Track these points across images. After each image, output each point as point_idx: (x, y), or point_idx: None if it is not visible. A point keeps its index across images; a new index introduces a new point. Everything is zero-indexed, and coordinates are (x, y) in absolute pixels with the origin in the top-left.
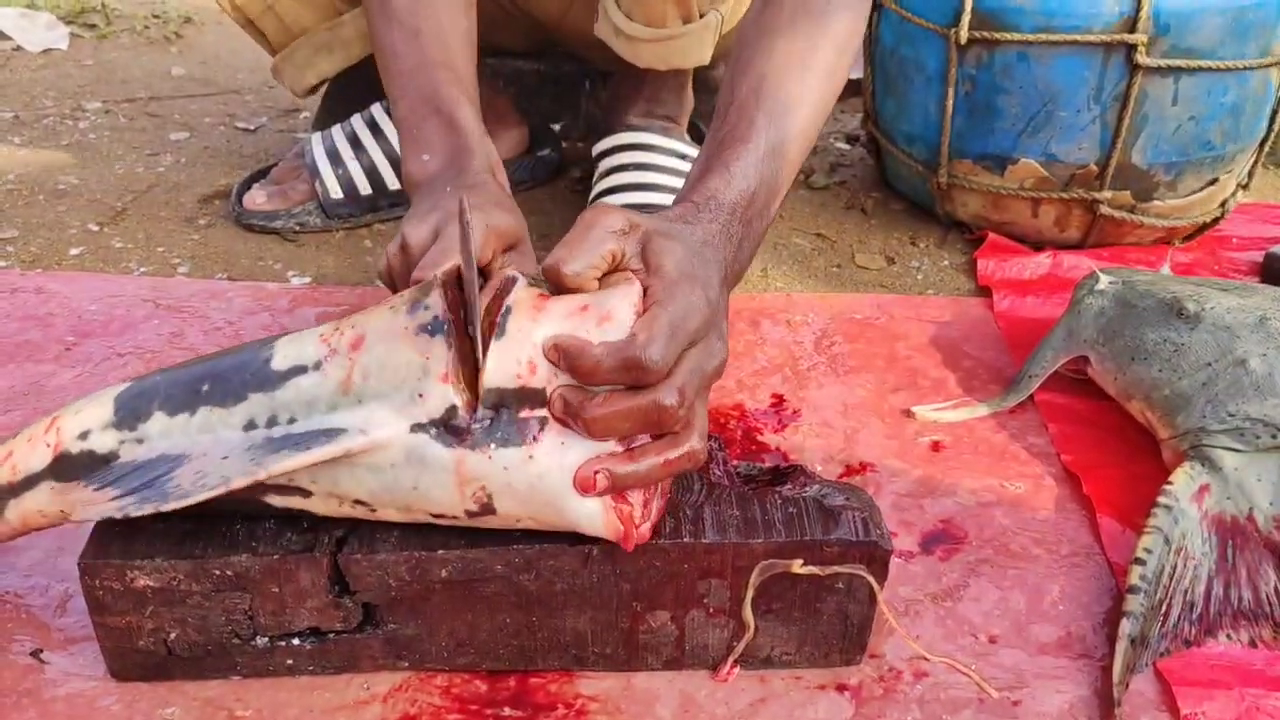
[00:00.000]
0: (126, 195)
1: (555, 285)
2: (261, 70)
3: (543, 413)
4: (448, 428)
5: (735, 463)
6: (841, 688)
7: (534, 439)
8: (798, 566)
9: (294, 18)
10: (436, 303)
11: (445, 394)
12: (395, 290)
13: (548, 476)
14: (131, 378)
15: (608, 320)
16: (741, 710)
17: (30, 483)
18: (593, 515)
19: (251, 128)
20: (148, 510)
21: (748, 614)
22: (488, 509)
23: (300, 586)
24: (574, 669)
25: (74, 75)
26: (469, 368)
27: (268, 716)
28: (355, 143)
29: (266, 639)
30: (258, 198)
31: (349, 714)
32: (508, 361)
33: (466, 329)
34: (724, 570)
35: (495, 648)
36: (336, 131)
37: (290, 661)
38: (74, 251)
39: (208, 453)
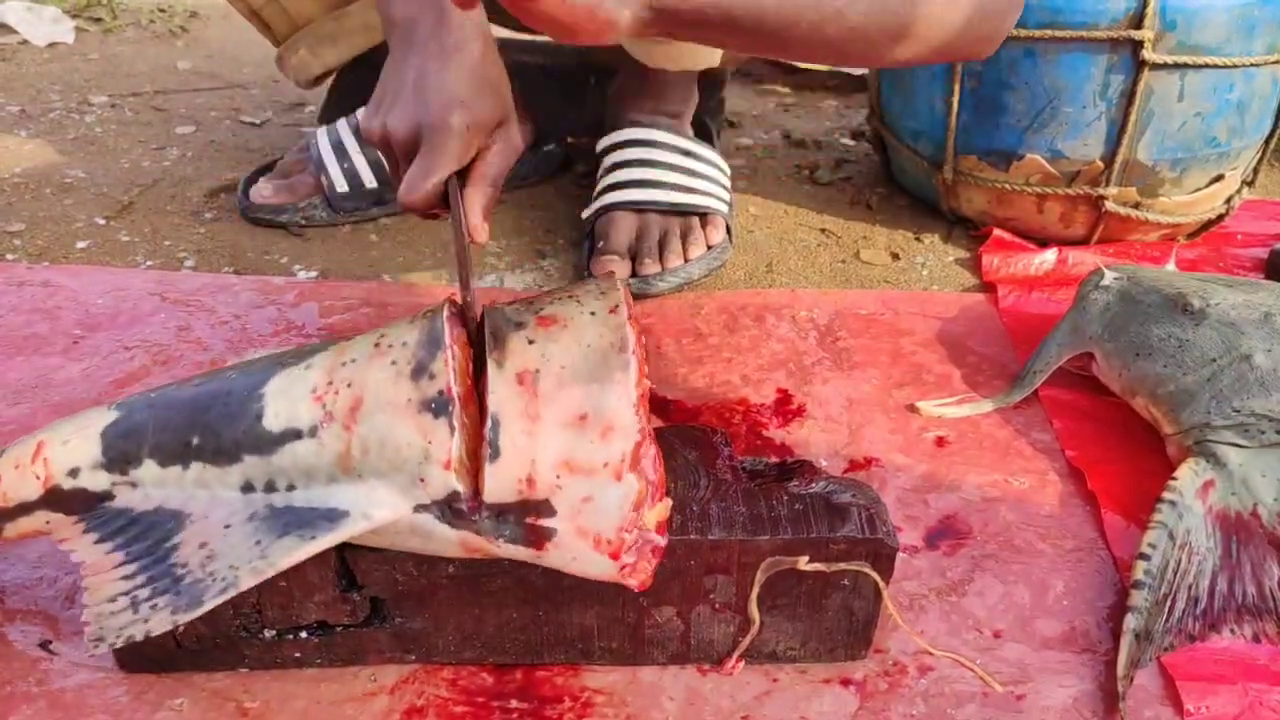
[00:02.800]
0: (133, 189)
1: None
2: (267, 64)
3: (549, 523)
4: (451, 509)
5: (741, 458)
6: (846, 682)
7: (542, 545)
8: (804, 563)
9: (298, 9)
10: (442, 372)
11: (447, 481)
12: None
13: (555, 566)
14: (137, 372)
15: (611, 431)
16: (746, 703)
17: (25, 510)
18: (609, 578)
19: (257, 122)
20: (163, 624)
21: (753, 609)
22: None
23: (308, 581)
24: (580, 663)
25: (80, 69)
26: (475, 439)
27: (275, 708)
28: (361, 137)
29: (274, 632)
30: (264, 192)
31: (356, 706)
32: (506, 481)
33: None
34: (730, 566)
35: (502, 642)
36: (342, 125)
37: (298, 654)
38: (81, 245)
39: (208, 515)
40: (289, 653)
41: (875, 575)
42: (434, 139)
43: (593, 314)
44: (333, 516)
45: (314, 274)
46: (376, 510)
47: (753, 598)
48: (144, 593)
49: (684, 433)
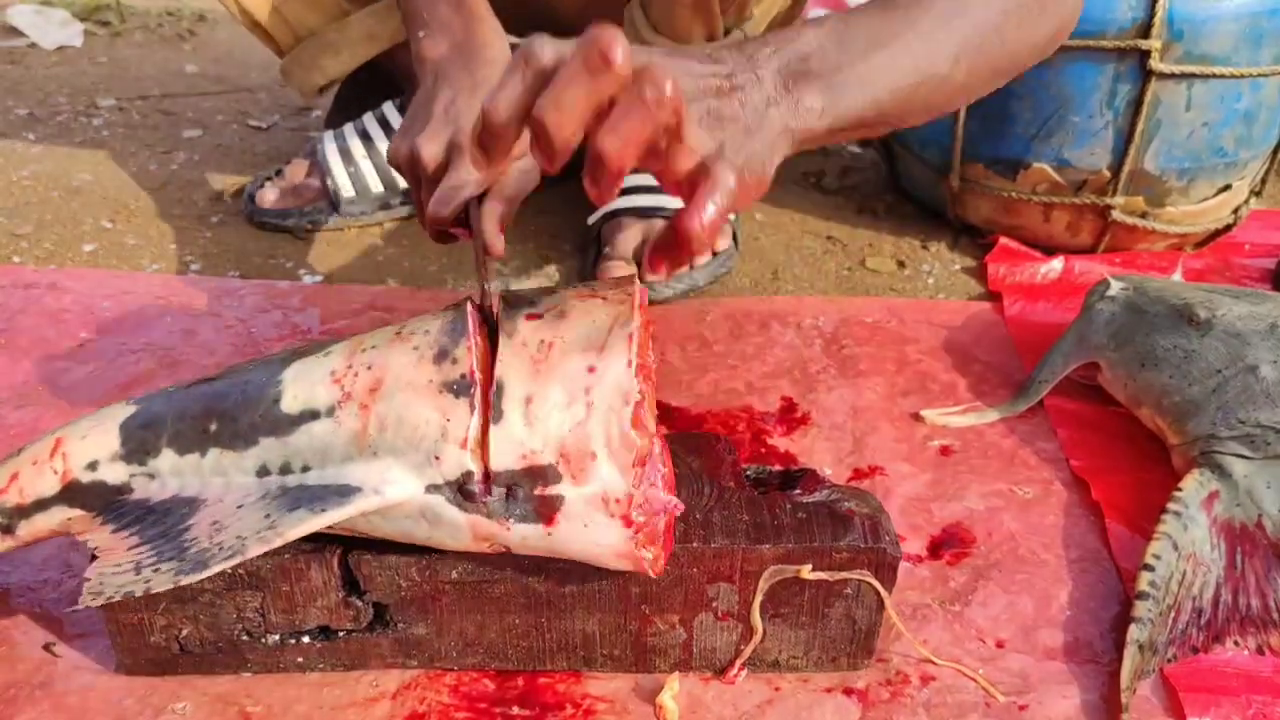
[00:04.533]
0: (139, 192)
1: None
2: (274, 68)
3: (557, 490)
4: (462, 491)
5: (745, 466)
6: (849, 691)
7: (553, 518)
8: (806, 572)
9: (300, 20)
10: (464, 357)
11: (461, 460)
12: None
13: (566, 545)
14: (143, 375)
15: (614, 393)
16: (748, 712)
17: (41, 506)
18: (623, 547)
19: (264, 126)
20: (165, 584)
21: (756, 618)
22: (503, 553)
23: (311, 586)
24: (582, 670)
25: (88, 72)
26: (489, 409)
27: (278, 713)
28: (367, 141)
29: (277, 637)
30: (270, 196)
31: (358, 711)
32: (511, 445)
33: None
34: (733, 575)
35: (504, 648)
36: (349, 129)
37: (300, 659)
38: (87, 248)
39: (222, 498)
40: (291, 657)
41: (877, 584)
42: (461, 163)
43: (604, 299)
44: (345, 492)
45: (319, 278)
46: (389, 488)
47: (755, 606)
48: (149, 559)
49: (688, 440)
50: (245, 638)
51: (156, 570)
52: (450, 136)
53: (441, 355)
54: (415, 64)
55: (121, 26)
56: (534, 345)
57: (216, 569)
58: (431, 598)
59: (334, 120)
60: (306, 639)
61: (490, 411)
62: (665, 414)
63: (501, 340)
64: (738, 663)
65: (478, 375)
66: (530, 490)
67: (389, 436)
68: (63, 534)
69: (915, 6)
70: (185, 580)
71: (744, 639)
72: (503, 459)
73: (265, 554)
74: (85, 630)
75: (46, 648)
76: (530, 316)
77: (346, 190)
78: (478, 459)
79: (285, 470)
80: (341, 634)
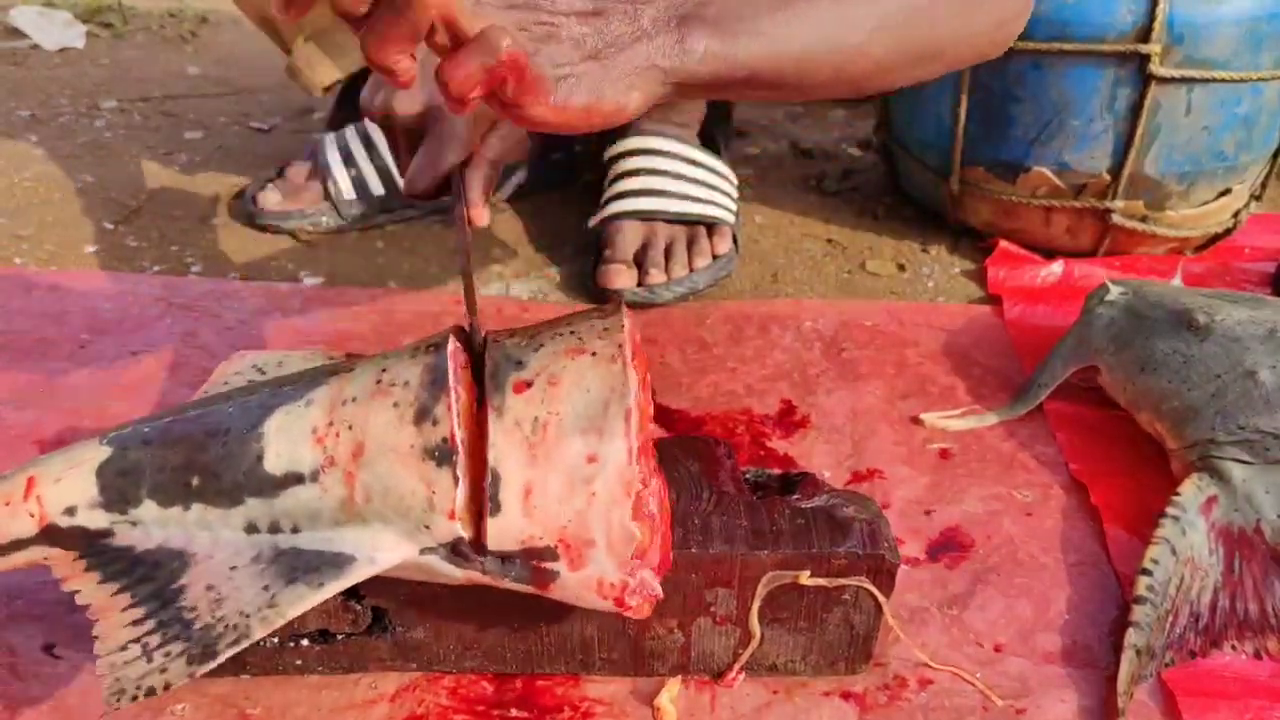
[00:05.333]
0: (141, 194)
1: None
2: (276, 71)
3: (553, 567)
4: (456, 551)
5: (744, 469)
6: (846, 695)
7: (547, 587)
8: (805, 578)
9: (309, 18)
10: (444, 418)
11: (452, 529)
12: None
13: (563, 600)
14: (143, 376)
15: (613, 482)
16: (746, 715)
17: (19, 546)
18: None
19: (265, 128)
20: (180, 675)
21: (754, 623)
22: None
23: None
24: (580, 673)
25: (90, 74)
26: (479, 478)
27: (276, 714)
28: (368, 143)
29: (276, 639)
30: (271, 198)
31: (357, 713)
32: (508, 534)
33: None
34: (731, 580)
35: (502, 652)
36: (350, 132)
37: (299, 661)
38: (89, 249)
39: (212, 555)
40: (290, 659)
41: (875, 591)
42: (442, 127)
43: (594, 354)
44: (339, 562)
45: (320, 281)
46: (382, 554)
47: (753, 611)
48: (155, 640)
49: (687, 444)
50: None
51: (168, 655)
52: (426, 100)
53: (422, 415)
54: None
55: (124, 28)
56: (528, 426)
57: (225, 655)
58: (430, 601)
59: (335, 122)
60: (305, 641)
61: (481, 484)
62: (664, 417)
63: (491, 420)
64: (735, 667)
65: (460, 437)
66: (526, 561)
67: (376, 506)
68: (45, 567)
69: None
70: (198, 671)
71: (742, 643)
72: (501, 543)
73: None
74: (85, 632)
75: (47, 649)
76: (519, 386)
77: (347, 192)
78: (468, 524)
79: (275, 529)
80: (340, 637)
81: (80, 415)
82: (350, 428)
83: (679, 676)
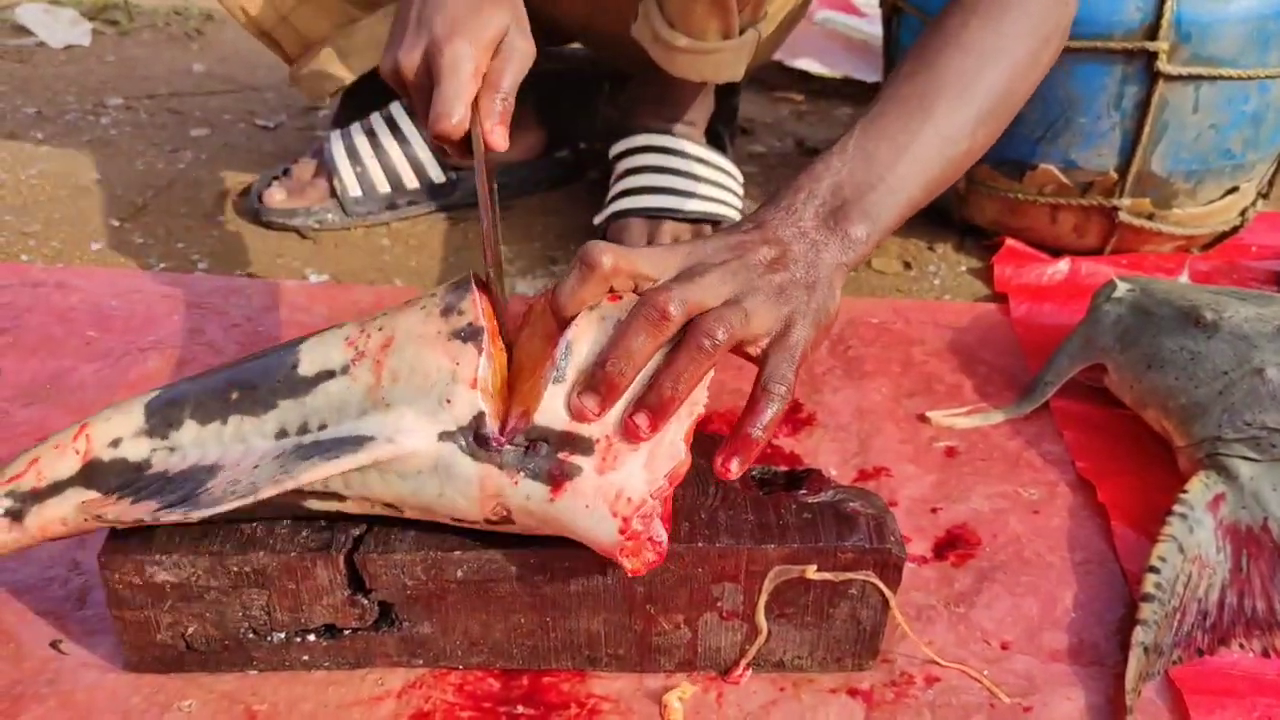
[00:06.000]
0: (147, 191)
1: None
2: (281, 68)
3: (579, 462)
4: (475, 436)
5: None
6: (853, 692)
7: (562, 485)
8: (811, 572)
9: (309, 26)
10: (470, 309)
11: (473, 400)
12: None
13: (559, 517)
14: (150, 373)
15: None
16: (753, 712)
17: (57, 489)
18: (609, 544)
19: (271, 125)
20: (176, 516)
21: (761, 618)
22: (506, 520)
23: (317, 584)
24: (587, 669)
25: (96, 71)
26: (501, 377)
27: (283, 710)
28: (374, 141)
29: (283, 635)
30: (276, 195)
31: (363, 709)
32: (559, 408)
33: (502, 333)
34: (738, 574)
35: (509, 647)
36: (355, 129)
37: (306, 657)
38: (95, 246)
39: (240, 462)
40: (297, 655)
41: (882, 585)
42: (443, 66)
43: None
44: (359, 442)
45: (325, 277)
46: (402, 436)
47: (760, 606)
48: (162, 509)
49: (694, 441)
50: (251, 636)
51: (169, 507)
52: (424, 45)
53: (448, 310)
54: None
55: (130, 26)
56: (611, 320)
57: (228, 506)
58: (437, 596)
59: (341, 120)
60: (312, 637)
61: (551, 364)
62: None
63: (580, 311)
64: (742, 663)
65: (483, 322)
66: (554, 450)
67: (401, 386)
68: (65, 532)
69: (930, 91)
70: (194, 516)
71: (749, 639)
72: (548, 417)
73: (270, 552)
74: (92, 628)
75: (53, 645)
76: (612, 297)
77: (353, 190)
78: (488, 399)
79: (303, 430)
80: (347, 632)
81: (87, 412)
82: (381, 329)
83: (690, 678)
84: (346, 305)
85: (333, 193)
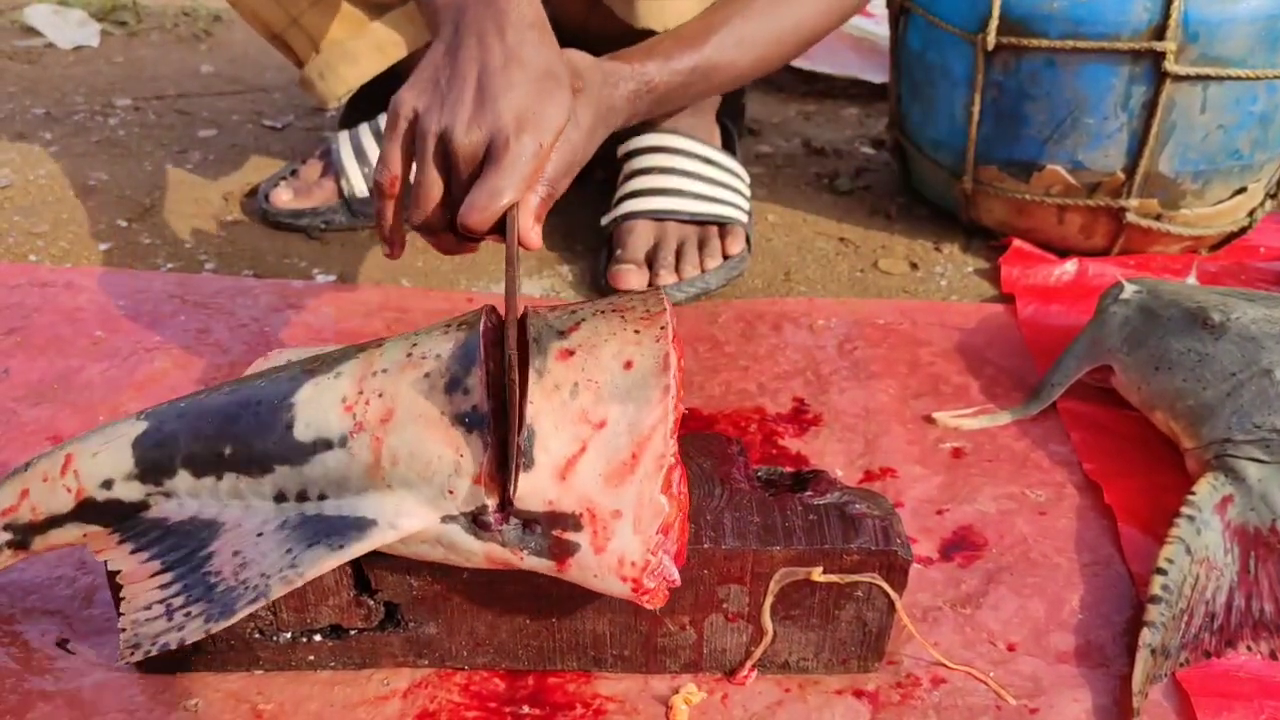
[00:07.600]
0: (155, 191)
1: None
2: (289, 69)
3: (575, 539)
4: (477, 521)
5: (756, 467)
6: (859, 693)
7: (565, 561)
8: (817, 574)
9: (319, 30)
10: (476, 389)
11: (477, 495)
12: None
13: (576, 582)
14: (157, 373)
15: (645, 453)
16: (758, 713)
17: (56, 523)
18: (625, 599)
19: (279, 126)
20: (196, 632)
21: (766, 620)
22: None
23: (323, 584)
24: (592, 670)
25: (104, 72)
26: (503, 453)
27: (289, 710)
28: (381, 141)
29: (289, 635)
30: (284, 195)
31: (369, 709)
32: (537, 492)
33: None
34: (743, 576)
35: (514, 648)
36: (363, 130)
37: (312, 657)
38: (103, 247)
39: (241, 523)
40: (303, 655)
41: (888, 588)
42: (504, 159)
43: (637, 332)
44: (361, 526)
45: (333, 278)
46: (404, 520)
47: (766, 607)
48: (178, 600)
49: (699, 441)
50: (257, 635)
51: (188, 615)
52: (488, 129)
53: (453, 385)
54: (424, 11)
55: (138, 26)
56: (567, 390)
57: (243, 614)
58: (442, 597)
59: (348, 120)
60: (318, 637)
61: (516, 446)
62: None
63: (531, 379)
64: (748, 664)
65: (489, 406)
66: (548, 529)
67: (402, 470)
68: (79, 546)
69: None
70: (215, 628)
71: (754, 640)
72: (528, 504)
73: None
74: (99, 627)
75: (60, 644)
76: (561, 354)
77: (360, 190)
78: (493, 492)
79: (302, 497)
80: (353, 632)
81: (94, 412)
82: (380, 395)
83: (695, 679)
84: (353, 306)
85: (340, 193)
